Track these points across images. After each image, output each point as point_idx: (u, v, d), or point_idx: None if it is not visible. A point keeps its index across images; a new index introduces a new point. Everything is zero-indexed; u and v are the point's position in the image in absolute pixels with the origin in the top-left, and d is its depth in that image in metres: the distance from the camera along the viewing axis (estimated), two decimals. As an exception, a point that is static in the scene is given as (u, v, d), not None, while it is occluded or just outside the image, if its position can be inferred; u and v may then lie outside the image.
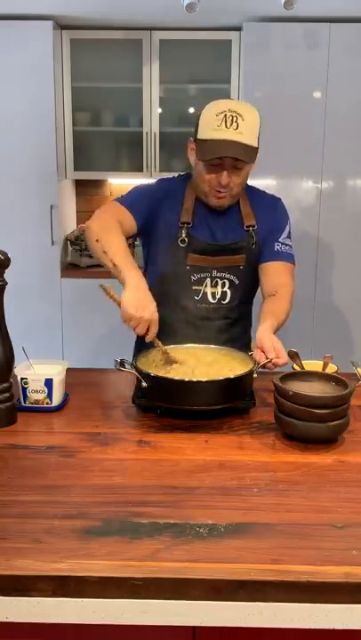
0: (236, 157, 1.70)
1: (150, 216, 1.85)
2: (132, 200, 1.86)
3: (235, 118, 1.68)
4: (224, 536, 1.05)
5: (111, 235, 1.71)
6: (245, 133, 1.69)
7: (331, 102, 3.59)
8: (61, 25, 3.71)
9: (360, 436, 1.47)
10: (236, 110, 1.69)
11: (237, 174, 1.76)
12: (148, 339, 1.59)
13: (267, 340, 1.57)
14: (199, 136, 1.74)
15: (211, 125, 1.70)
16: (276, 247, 1.88)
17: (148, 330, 1.57)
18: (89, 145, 4.00)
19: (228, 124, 1.67)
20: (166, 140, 3.85)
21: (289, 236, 1.93)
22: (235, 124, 1.68)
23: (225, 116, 1.68)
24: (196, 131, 1.76)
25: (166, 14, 3.43)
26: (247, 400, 1.57)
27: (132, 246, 1.95)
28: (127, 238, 1.81)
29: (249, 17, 3.53)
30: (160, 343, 1.62)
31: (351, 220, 3.75)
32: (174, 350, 1.67)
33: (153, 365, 1.61)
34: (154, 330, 1.58)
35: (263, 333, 1.60)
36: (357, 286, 3.81)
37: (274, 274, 1.87)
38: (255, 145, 1.73)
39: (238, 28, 3.70)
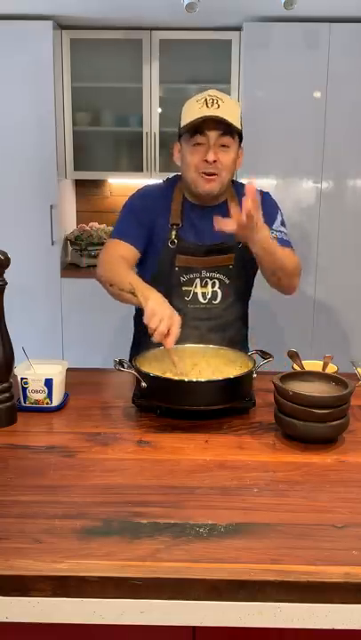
0: (221, 120, 1.72)
1: (146, 232, 1.87)
2: (125, 230, 1.88)
3: (215, 100, 1.75)
4: (224, 536, 1.05)
5: (120, 272, 1.74)
6: (226, 112, 1.73)
7: (331, 102, 3.59)
8: (61, 25, 3.71)
9: (360, 435, 1.47)
10: (216, 95, 1.76)
11: (223, 153, 1.77)
12: (168, 343, 1.54)
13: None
14: (182, 124, 1.79)
15: (193, 110, 1.76)
16: (271, 235, 1.86)
17: (168, 334, 1.53)
18: (89, 145, 4.00)
19: (210, 105, 1.74)
20: (166, 140, 3.85)
21: (283, 224, 1.92)
22: (215, 105, 1.74)
23: (205, 99, 1.75)
24: (179, 126, 1.81)
25: (166, 14, 3.43)
26: (247, 400, 1.57)
27: None
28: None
29: (249, 17, 3.53)
30: (175, 358, 1.58)
31: (351, 220, 3.75)
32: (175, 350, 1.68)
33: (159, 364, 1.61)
34: (176, 331, 1.54)
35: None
36: (357, 286, 3.81)
37: None
38: (238, 126, 1.77)
39: (238, 28, 3.70)
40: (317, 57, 3.55)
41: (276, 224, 1.91)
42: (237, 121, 1.77)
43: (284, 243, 1.88)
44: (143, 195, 1.94)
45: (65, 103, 3.83)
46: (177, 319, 1.56)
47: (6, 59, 3.58)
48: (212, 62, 3.81)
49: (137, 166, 3.91)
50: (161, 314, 1.54)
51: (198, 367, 1.62)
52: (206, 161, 1.76)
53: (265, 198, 1.95)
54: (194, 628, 1.02)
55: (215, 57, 3.79)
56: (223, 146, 1.77)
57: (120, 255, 1.81)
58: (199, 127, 1.75)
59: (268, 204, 1.94)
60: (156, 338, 1.54)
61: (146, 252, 1.91)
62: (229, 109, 1.75)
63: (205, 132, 1.75)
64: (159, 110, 3.81)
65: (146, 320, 1.54)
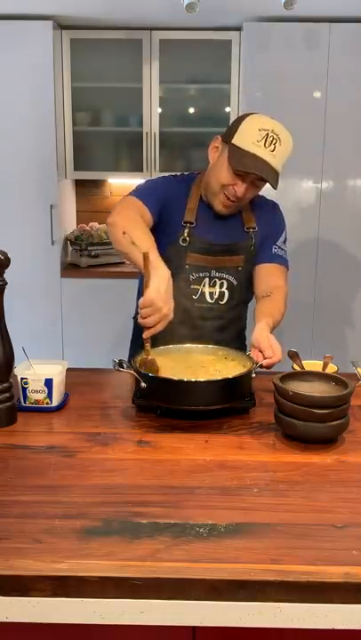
0: (266, 179, 1.73)
1: (160, 211, 1.84)
2: (147, 194, 1.83)
3: (274, 140, 1.71)
4: (224, 536, 1.05)
5: (138, 227, 1.69)
6: (278, 158, 1.73)
7: (331, 102, 3.59)
8: (61, 25, 3.71)
9: (360, 435, 1.47)
10: (278, 134, 1.72)
11: (253, 190, 1.80)
12: (146, 334, 1.54)
13: (264, 338, 1.60)
14: (235, 141, 1.74)
15: (251, 138, 1.72)
16: (274, 250, 1.92)
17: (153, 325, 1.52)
18: (89, 145, 4.00)
19: (268, 144, 1.71)
20: (166, 140, 3.85)
21: (285, 242, 1.97)
22: (272, 146, 1.71)
23: (267, 134, 1.71)
24: (232, 134, 1.76)
25: (166, 14, 3.43)
26: (247, 400, 1.57)
27: None
28: None
29: (249, 17, 3.53)
30: (149, 347, 1.58)
31: (351, 220, 3.74)
32: (173, 350, 1.67)
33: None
34: (160, 328, 1.53)
35: (260, 332, 1.62)
36: (357, 286, 3.81)
37: (269, 275, 1.90)
38: (280, 171, 1.76)
39: (238, 28, 3.70)
40: (317, 57, 3.55)
41: (280, 240, 1.95)
42: (281, 166, 1.75)
43: (283, 261, 1.94)
44: (164, 183, 1.91)
45: (65, 103, 3.83)
46: (168, 318, 1.53)
47: (6, 59, 3.57)
48: (212, 62, 3.81)
49: (137, 166, 3.91)
50: (156, 308, 1.50)
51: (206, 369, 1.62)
52: (235, 191, 1.77)
53: (275, 210, 2.01)
54: (194, 628, 1.02)
55: (215, 57, 3.79)
56: (257, 185, 1.79)
57: (139, 212, 1.76)
58: (250, 163, 1.72)
59: (278, 219, 1.99)
60: (140, 323, 1.53)
61: (159, 242, 1.89)
62: (282, 153, 1.73)
63: (254, 171, 1.72)
64: (159, 110, 3.81)
65: (140, 305, 1.52)
